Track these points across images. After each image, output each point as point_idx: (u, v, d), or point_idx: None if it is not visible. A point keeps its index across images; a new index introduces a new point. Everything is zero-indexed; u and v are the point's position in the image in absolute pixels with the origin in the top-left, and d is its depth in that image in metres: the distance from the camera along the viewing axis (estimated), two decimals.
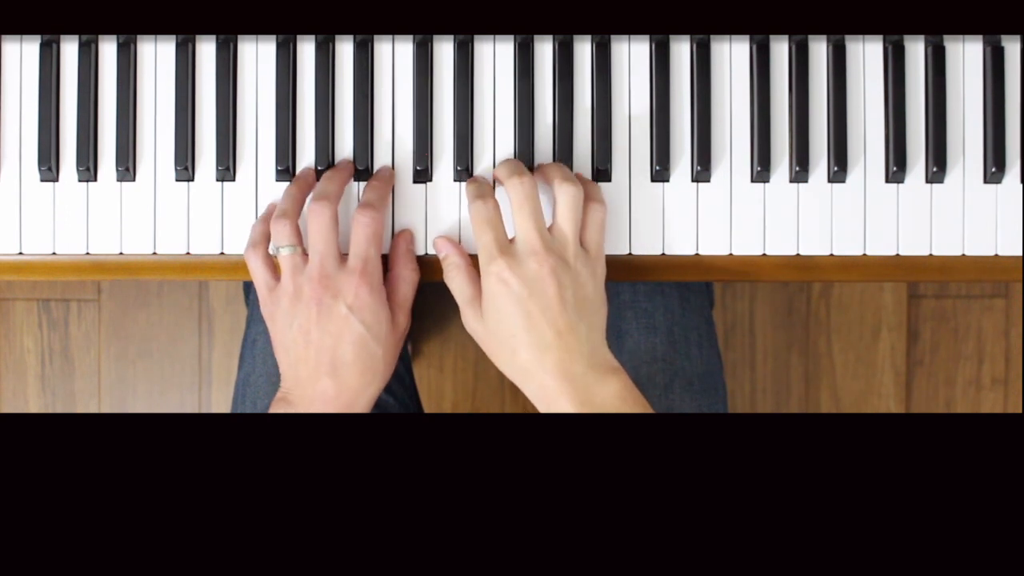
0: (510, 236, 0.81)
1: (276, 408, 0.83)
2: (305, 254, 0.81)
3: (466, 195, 0.83)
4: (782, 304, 1.55)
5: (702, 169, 0.85)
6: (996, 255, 0.87)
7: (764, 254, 0.86)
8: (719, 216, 0.86)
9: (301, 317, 0.80)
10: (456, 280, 0.83)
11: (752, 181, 0.86)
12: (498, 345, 0.80)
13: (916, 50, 0.87)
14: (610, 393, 0.78)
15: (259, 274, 0.83)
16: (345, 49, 0.86)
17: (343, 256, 0.82)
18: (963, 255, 0.87)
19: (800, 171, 0.86)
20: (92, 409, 1.54)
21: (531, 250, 0.78)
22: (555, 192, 0.80)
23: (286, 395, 0.82)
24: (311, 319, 0.80)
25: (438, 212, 0.86)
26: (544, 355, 0.78)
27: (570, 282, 0.78)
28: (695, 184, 0.86)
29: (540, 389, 0.79)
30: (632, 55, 0.86)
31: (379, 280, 0.82)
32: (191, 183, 0.86)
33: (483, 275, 0.80)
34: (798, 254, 0.86)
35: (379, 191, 0.84)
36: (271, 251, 0.83)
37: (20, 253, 0.85)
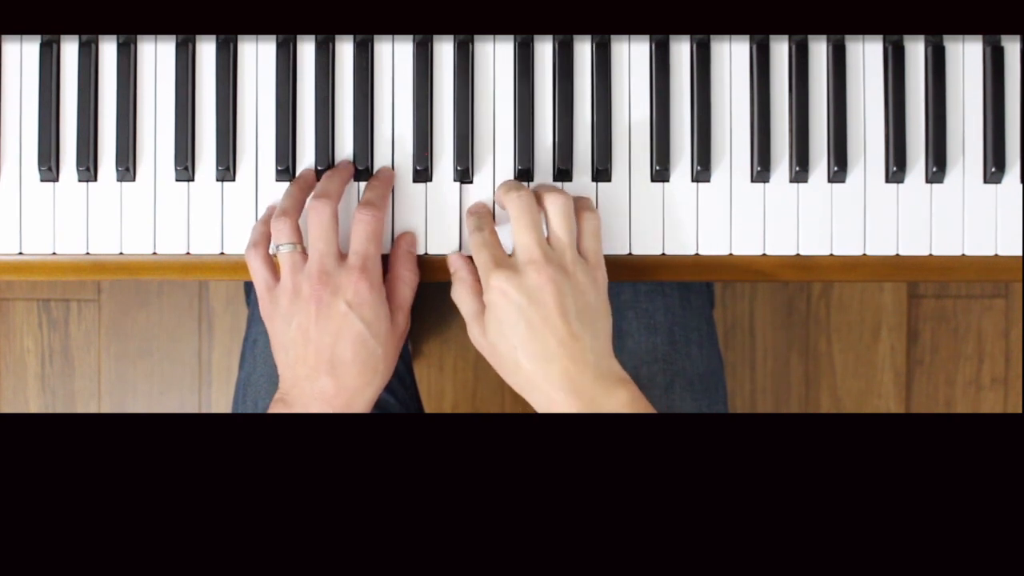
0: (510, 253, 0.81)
1: (274, 409, 0.82)
2: (305, 253, 0.81)
3: (467, 227, 0.84)
4: (782, 304, 1.55)
5: (702, 169, 0.85)
6: (996, 255, 0.87)
7: (764, 254, 0.86)
8: (719, 216, 0.86)
9: (300, 315, 0.80)
10: (461, 294, 0.83)
11: (752, 181, 0.86)
12: (502, 358, 0.79)
13: (916, 50, 0.87)
14: (618, 405, 0.78)
15: (259, 274, 0.83)
16: (345, 49, 0.86)
17: (343, 254, 0.82)
18: (963, 255, 0.87)
19: (800, 171, 0.86)
20: (92, 409, 1.54)
21: (529, 259, 0.78)
22: (545, 204, 0.81)
23: (284, 396, 0.82)
24: (310, 317, 0.80)
25: (438, 212, 0.86)
26: (549, 366, 0.77)
27: (570, 290, 0.78)
28: (695, 184, 0.86)
29: (547, 402, 0.78)
30: (632, 55, 0.86)
31: (379, 278, 0.82)
32: (191, 183, 0.86)
33: (484, 290, 0.80)
34: (798, 254, 0.86)
35: (379, 191, 0.84)
36: (271, 250, 0.83)
37: (20, 253, 0.85)
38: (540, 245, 0.79)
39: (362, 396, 0.82)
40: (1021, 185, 0.87)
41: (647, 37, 0.86)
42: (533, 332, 0.77)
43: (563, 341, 0.77)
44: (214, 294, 1.54)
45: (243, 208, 0.86)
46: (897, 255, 0.87)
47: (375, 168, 0.86)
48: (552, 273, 0.78)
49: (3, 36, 0.85)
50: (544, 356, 0.77)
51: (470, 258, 0.83)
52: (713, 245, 0.86)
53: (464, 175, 0.85)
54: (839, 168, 0.86)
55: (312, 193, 0.82)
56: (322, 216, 0.81)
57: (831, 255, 0.86)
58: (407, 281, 0.84)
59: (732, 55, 0.86)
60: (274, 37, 0.85)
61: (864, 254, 0.86)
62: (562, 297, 0.77)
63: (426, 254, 0.86)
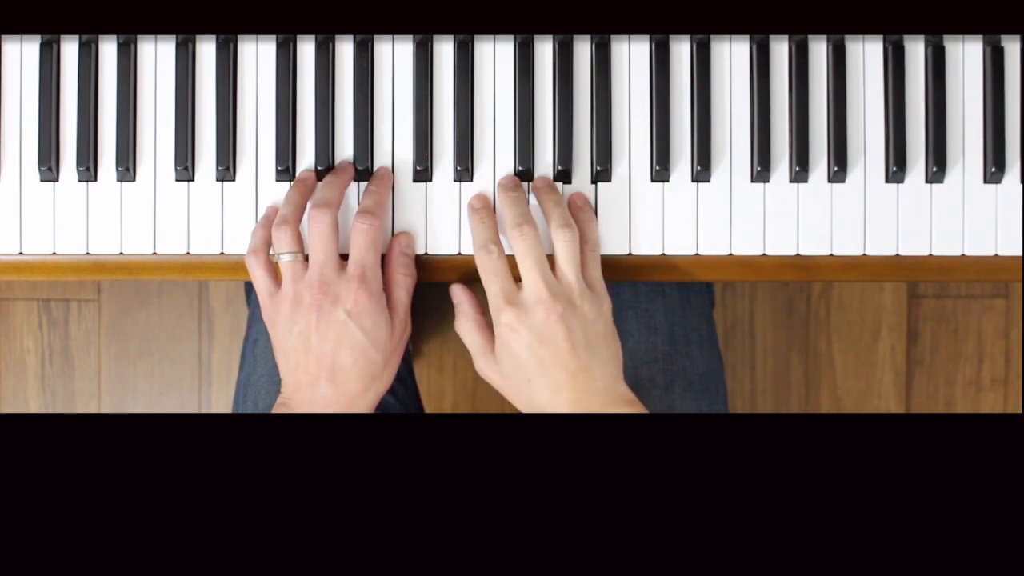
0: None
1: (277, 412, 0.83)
2: (306, 260, 0.82)
3: (472, 236, 0.84)
4: (782, 304, 1.55)
5: (702, 169, 0.85)
6: (996, 255, 0.87)
7: (764, 254, 0.86)
8: (719, 216, 0.86)
9: (301, 323, 0.81)
10: (466, 329, 0.84)
11: (752, 181, 0.86)
12: (514, 389, 0.82)
13: (916, 50, 0.87)
14: None
15: (261, 280, 0.83)
16: (345, 49, 0.86)
17: (343, 262, 0.82)
18: (963, 255, 0.87)
19: (800, 171, 0.86)
20: (92, 409, 1.54)
21: (538, 299, 0.80)
22: (553, 237, 0.82)
23: (286, 400, 0.82)
24: (311, 325, 0.80)
25: (438, 212, 0.86)
26: (559, 395, 0.80)
27: (578, 324, 0.80)
28: (695, 184, 0.86)
29: None
30: (632, 55, 0.86)
31: (378, 286, 0.82)
32: (191, 183, 0.86)
33: (494, 324, 0.81)
34: (798, 254, 0.86)
35: (378, 196, 0.84)
36: (272, 256, 0.83)
37: (20, 253, 0.85)
38: (547, 283, 0.80)
39: (363, 400, 0.82)
40: (1021, 185, 0.87)
41: (647, 37, 0.86)
42: (544, 368, 0.80)
43: (573, 374, 0.79)
44: (214, 294, 1.54)
45: (243, 208, 0.86)
46: (897, 255, 0.86)
47: (375, 168, 0.86)
48: (561, 311, 0.79)
49: (3, 36, 0.85)
50: (555, 387, 0.80)
51: (472, 285, 0.84)
52: (713, 245, 0.86)
53: (464, 175, 0.85)
54: (839, 168, 0.86)
55: (311, 201, 0.83)
56: (321, 226, 0.81)
57: (831, 255, 0.86)
58: (402, 284, 0.84)
59: (732, 55, 0.86)
60: (274, 37, 0.85)
61: (864, 254, 0.86)
62: (571, 333, 0.79)
63: (426, 254, 0.86)
